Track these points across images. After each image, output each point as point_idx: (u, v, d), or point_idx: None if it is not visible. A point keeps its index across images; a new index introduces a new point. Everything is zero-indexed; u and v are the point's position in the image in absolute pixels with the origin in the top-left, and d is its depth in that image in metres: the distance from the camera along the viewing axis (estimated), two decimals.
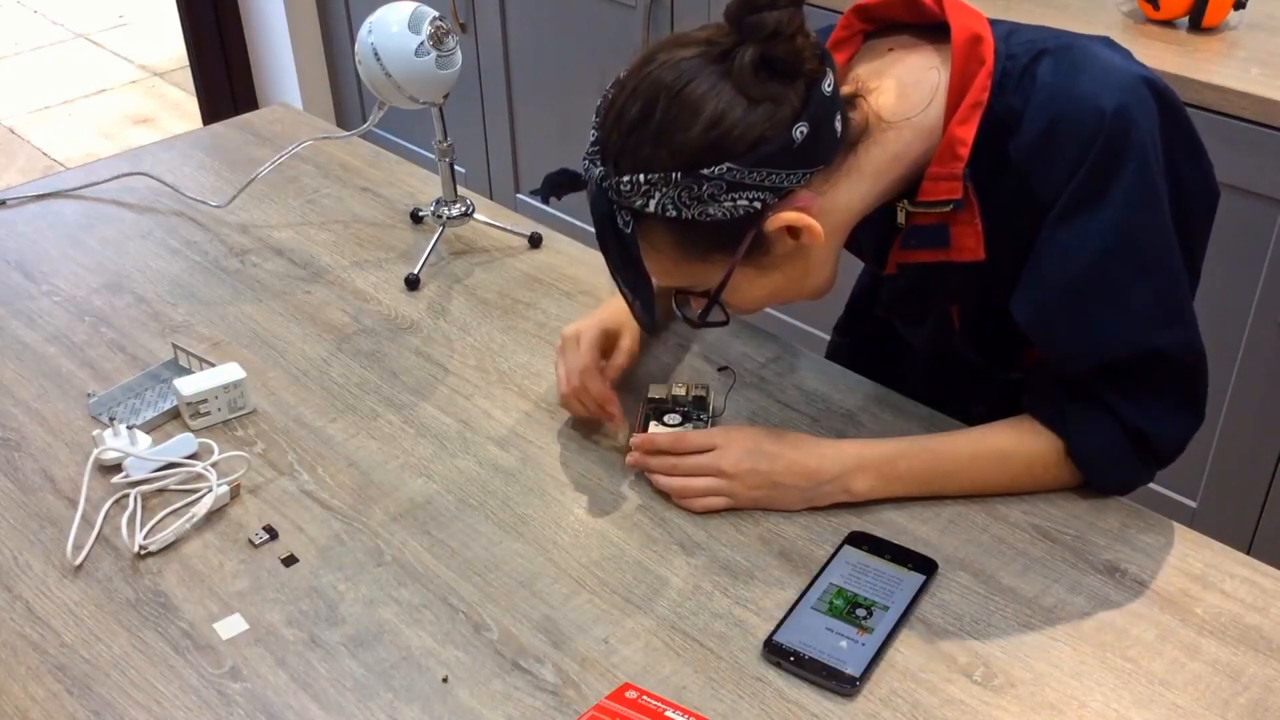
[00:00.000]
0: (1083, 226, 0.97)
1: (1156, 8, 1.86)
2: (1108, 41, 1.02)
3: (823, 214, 0.98)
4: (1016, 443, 1.07)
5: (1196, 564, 1.02)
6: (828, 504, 1.07)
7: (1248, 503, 1.90)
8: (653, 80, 0.93)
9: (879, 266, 1.13)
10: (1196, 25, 1.84)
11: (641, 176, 0.93)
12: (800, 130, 0.93)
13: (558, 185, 1.04)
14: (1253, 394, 1.83)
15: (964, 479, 1.07)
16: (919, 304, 1.16)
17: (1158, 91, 0.97)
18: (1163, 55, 1.77)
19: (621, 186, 0.94)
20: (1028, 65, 0.98)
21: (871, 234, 1.11)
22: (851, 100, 0.99)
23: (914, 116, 0.99)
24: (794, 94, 0.93)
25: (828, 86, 0.94)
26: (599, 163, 0.96)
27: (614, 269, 1.00)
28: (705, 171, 0.92)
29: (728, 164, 0.92)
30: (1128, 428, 1.03)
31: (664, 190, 0.93)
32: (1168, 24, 1.88)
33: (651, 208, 0.94)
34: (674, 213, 0.94)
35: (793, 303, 1.07)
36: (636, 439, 1.11)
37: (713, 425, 1.16)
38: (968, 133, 0.98)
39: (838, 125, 0.96)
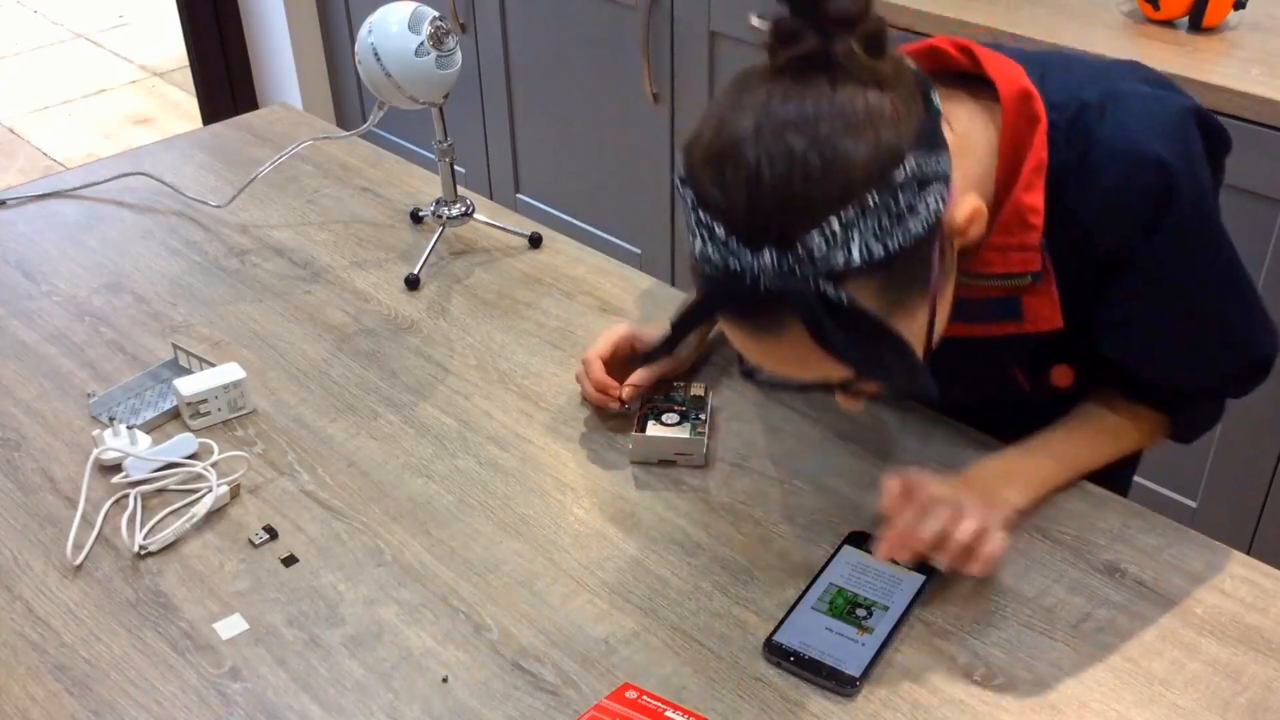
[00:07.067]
0: (1170, 275, 0.96)
1: (1156, 8, 1.86)
2: (1135, 68, 0.99)
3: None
4: (1138, 439, 1.10)
5: (1196, 564, 1.02)
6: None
7: (1248, 503, 1.90)
8: (768, 127, 0.77)
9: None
10: (1196, 25, 1.84)
11: (835, 221, 0.75)
12: (934, 93, 0.82)
13: (693, 318, 0.83)
14: (1253, 394, 1.82)
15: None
16: (975, 375, 1.09)
17: (1202, 120, 0.95)
18: (1163, 55, 1.77)
19: (814, 251, 0.76)
20: (1074, 118, 0.93)
21: None
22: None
23: (973, 147, 0.92)
24: (902, 62, 0.81)
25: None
26: (751, 249, 0.77)
27: (850, 358, 0.79)
28: (897, 175, 0.77)
29: (912, 156, 0.78)
30: (1226, 400, 1.09)
31: (863, 223, 0.76)
32: (1168, 24, 1.88)
33: (856, 256, 0.76)
34: (880, 251, 0.77)
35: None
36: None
37: (709, 427, 1.16)
38: (1036, 200, 0.92)
39: None
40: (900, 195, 0.77)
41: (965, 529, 0.95)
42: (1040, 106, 0.92)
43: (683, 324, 0.85)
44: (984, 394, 1.13)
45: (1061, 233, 0.95)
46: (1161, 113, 0.93)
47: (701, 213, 0.79)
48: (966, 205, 0.84)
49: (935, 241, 0.82)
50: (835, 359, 0.80)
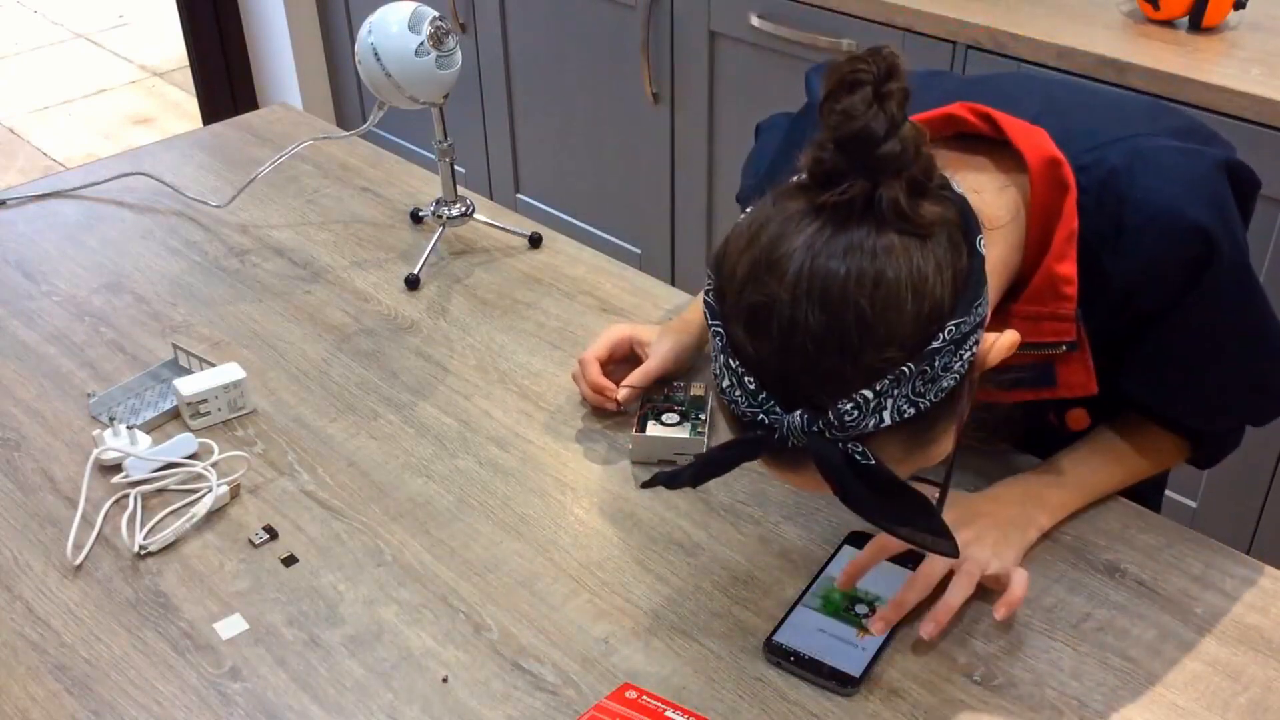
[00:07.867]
0: (1201, 325, 0.96)
1: (1156, 8, 1.86)
2: (1155, 112, 0.98)
3: None
4: (1159, 465, 1.09)
5: (1196, 564, 1.02)
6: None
7: (1248, 503, 1.90)
8: (805, 287, 0.73)
9: None
10: (1196, 25, 1.84)
11: (869, 393, 0.74)
12: (980, 240, 0.79)
13: (718, 464, 0.80)
14: None
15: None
16: (1009, 428, 1.08)
17: (1231, 169, 0.94)
18: (1162, 55, 1.77)
19: (845, 418, 0.74)
20: (1104, 181, 0.91)
21: None
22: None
23: (1001, 228, 0.89)
24: (949, 198, 0.78)
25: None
26: (782, 407, 0.76)
27: (871, 513, 0.78)
28: (935, 344, 0.75)
29: (951, 323, 0.75)
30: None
31: (898, 390, 0.74)
32: (1168, 24, 1.88)
33: (887, 419, 0.75)
34: (912, 411, 0.75)
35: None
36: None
37: (709, 427, 1.16)
38: (1070, 269, 0.90)
39: None
40: (937, 360, 0.75)
41: (990, 573, 0.97)
42: (1069, 173, 0.89)
43: (712, 467, 0.82)
44: (1004, 433, 1.13)
45: (1094, 297, 0.93)
46: (1194, 173, 0.92)
47: (732, 359, 0.77)
48: (1004, 343, 0.82)
49: (967, 379, 0.79)
50: (855, 511, 0.78)
